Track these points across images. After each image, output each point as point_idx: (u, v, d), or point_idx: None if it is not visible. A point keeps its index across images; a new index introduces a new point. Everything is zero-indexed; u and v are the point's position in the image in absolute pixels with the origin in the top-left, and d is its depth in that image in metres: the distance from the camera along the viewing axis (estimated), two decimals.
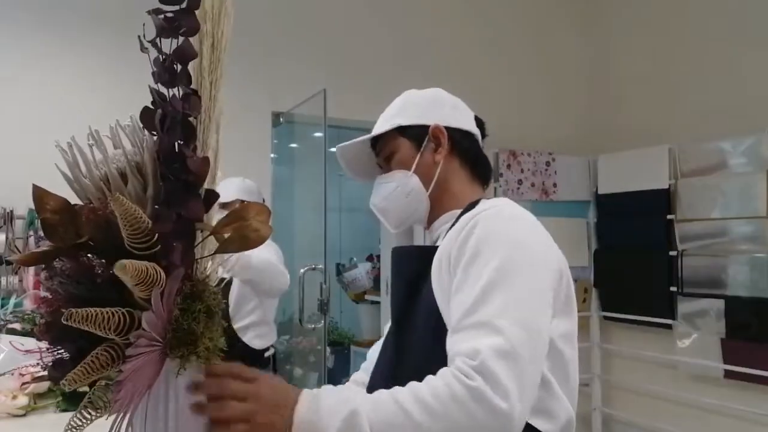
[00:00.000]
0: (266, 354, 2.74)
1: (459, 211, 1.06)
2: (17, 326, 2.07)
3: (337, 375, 4.64)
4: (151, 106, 0.65)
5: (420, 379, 0.78)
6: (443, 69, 3.84)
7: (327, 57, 3.53)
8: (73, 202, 0.69)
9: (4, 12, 2.90)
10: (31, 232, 2.66)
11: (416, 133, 1.12)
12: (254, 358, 2.60)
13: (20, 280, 2.62)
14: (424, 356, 0.93)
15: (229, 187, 2.60)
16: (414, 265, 1.05)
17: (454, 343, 0.82)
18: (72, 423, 0.65)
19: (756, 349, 3.13)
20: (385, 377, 1.00)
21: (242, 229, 0.65)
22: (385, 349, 1.10)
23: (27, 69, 2.92)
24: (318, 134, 3.44)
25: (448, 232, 1.02)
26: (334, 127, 3.58)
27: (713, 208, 3.38)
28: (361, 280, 4.56)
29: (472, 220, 0.94)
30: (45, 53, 2.96)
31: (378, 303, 4.13)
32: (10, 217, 2.67)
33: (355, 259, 4.89)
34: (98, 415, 0.65)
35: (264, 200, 2.85)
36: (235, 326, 2.59)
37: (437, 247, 1.01)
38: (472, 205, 1.04)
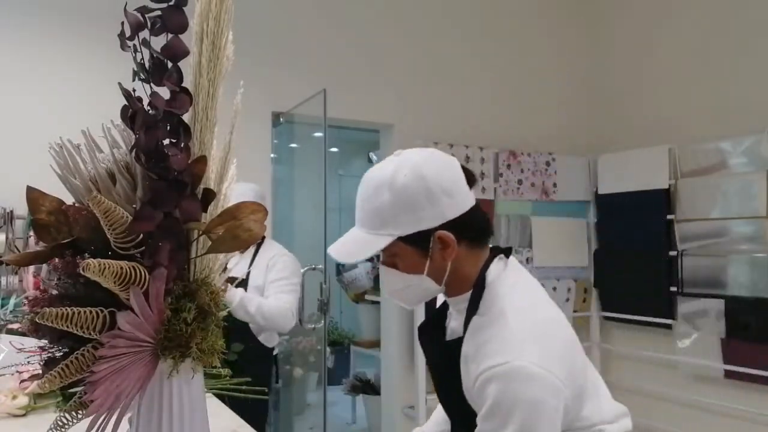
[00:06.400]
0: (274, 352, 2.82)
1: (470, 293, 1.09)
2: (17, 326, 2.07)
3: (337, 375, 4.64)
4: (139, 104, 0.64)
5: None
6: (443, 69, 3.85)
7: (327, 57, 3.53)
8: (69, 203, 0.69)
9: (6, 12, 2.90)
10: (31, 233, 2.67)
11: (420, 239, 1.05)
12: (265, 355, 2.70)
13: (20, 280, 2.63)
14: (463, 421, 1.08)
15: (247, 193, 2.57)
16: (444, 353, 1.13)
17: None
18: (58, 421, 0.65)
19: (756, 349, 3.12)
20: None
21: (234, 228, 0.64)
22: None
23: (28, 68, 2.92)
24: (318, 134, 3.44)
25: (467, 316, 1.08)
26: (334, 127, 3.58)
27: (713, 208, 3.37)
28: (361, 280, 4.55)
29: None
30: (46, 52, 2.96)
31: (378, 303, 4.12)
32: (10, 217, 2.67)
33: None
34: (85, 416, 0.65)
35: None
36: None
37: (461, 339, 1.07)
38: (480, 287, 1.08)
